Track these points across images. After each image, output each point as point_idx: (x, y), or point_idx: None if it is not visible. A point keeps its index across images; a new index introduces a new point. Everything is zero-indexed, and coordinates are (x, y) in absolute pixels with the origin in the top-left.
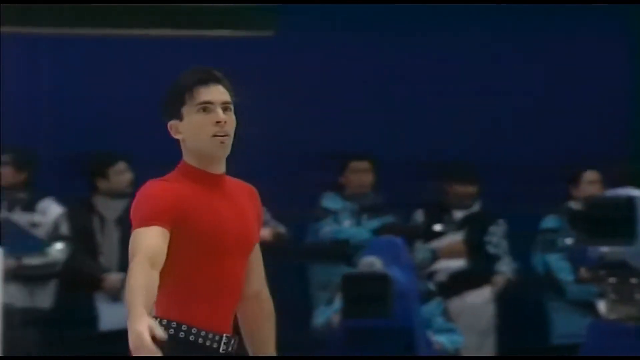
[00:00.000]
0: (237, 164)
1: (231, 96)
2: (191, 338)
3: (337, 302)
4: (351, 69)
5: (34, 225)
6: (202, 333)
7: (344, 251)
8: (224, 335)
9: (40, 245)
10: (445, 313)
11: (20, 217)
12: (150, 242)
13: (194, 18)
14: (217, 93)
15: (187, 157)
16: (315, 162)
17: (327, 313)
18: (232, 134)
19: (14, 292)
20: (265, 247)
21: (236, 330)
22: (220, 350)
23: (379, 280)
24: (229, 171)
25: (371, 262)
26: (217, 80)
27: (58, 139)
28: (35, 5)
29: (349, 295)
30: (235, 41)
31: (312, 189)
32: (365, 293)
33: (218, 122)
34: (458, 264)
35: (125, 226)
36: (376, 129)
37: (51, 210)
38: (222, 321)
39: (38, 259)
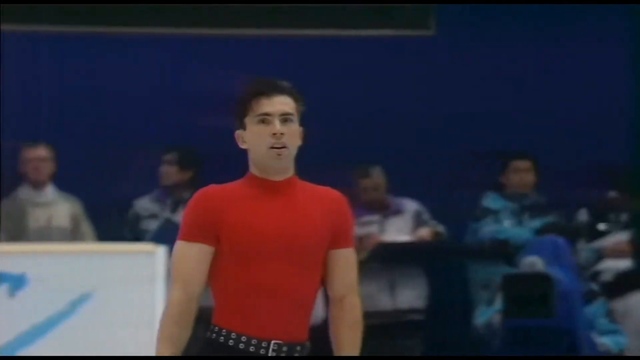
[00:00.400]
0: (403, 163)
1: (299, 106)
2: (240, 346)
3: (498, 302)
4: (511, 68)
5: None
6: (244, 338)
7: (505, 251)
8: (273, 341)
9: None
10: (610, 314)
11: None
12: (189, 265)
13: (354, 17)
14: (277, 104)
15: (250, 166)
16: (476, 161)
17: (488, 313)
18: (291, 145)
19: None
20: (425, 246)
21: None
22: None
23: (541, 280)
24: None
25: (533, 262)
26: (279, 91)
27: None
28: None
29: (510, 295)
30: (396, 40)
31: (473, 188)
32: (527, 293)
33: (274, 134)
34: (623, 264)
35: None
36: (538, 128)
37: None
38: (272, 326)
39: None
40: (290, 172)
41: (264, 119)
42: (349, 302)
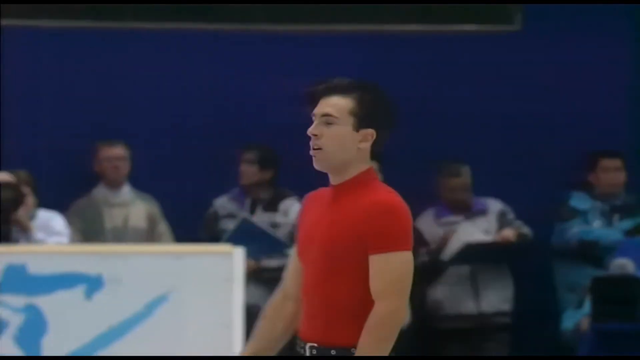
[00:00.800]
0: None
1: (361, 107)
2: (297, 348)
3: (587, 305)
4: (599, 64)
5: (275, 225)
6: (297, 340)
7: (594, 253)
8: (308, 344)
9: (280, 247)
10: None
11: (261, 217)
12: (289, 269)
13: (439, 12)
14: (322, 105)
15: None
16: (563, 159)
17: (576, 317)
18: (329, 147)
19: (255, 293)
20: (510, 247)
21: None
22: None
23: (631, 283)
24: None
25: (623, 265)
26: (331, 91)
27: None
28: None
29: (599, 298)
30: (481, 36)
31: (560, 187)
32: (616, 296)
33: (310, 135)
34: None
35: None
36: (628, 125)
37: (293, 210)
38: (309, 330)
39: (278, 260)
40: (348, 174)
41: (313, 120)
42: (374, 308)
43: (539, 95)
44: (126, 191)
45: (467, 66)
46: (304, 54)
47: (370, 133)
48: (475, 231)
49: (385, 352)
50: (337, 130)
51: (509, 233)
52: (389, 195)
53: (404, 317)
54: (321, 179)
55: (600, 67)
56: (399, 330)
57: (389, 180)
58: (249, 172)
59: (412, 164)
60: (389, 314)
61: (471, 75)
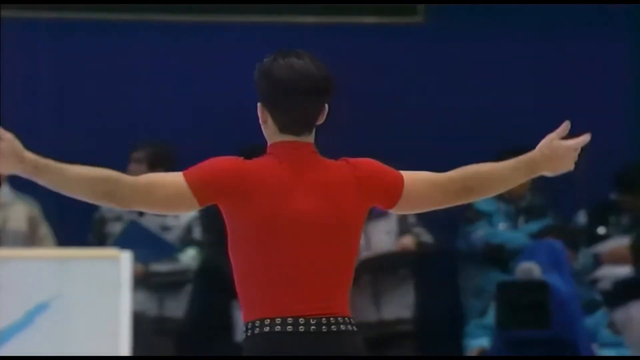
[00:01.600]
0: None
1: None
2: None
3: (490, 314)
4: (508, 64)
5: (165, 228)
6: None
7: (499, 256)
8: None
9: (170, 250)
10: (611, 325)
11: (151, 220)
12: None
13: None
14: None
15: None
16: (467, 159)
17: (479, 333)
18: None
19: (143, 299)
20: (410, 255)
21: None
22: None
23: (538, 288)
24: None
25: (529, 269)
26: None
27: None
28: None
29: (505, 305)
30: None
31: None
32: (523, 302)
33: None
34: (623, 270)
35: None
36: (537, 124)
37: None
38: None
39: (168, 265)
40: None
41: None
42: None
43: (456, 90)
44: (5, 192)
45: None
46: (200, 46)
47: (260, 108)
48: (377, 232)
49: None
50: None
51: (407, 242)
52: None
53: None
54: None
55: (508, 65)
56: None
57: None
58: (137, 171)
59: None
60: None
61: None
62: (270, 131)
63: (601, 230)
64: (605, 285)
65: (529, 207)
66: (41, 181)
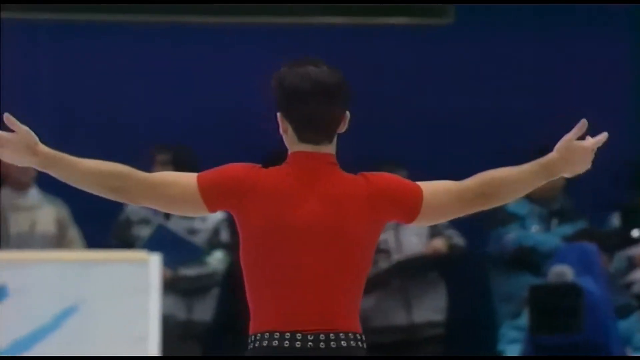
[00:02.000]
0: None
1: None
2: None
3: (524, 316)
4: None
5: (193, 232)
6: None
7: (531, 259)
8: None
9: (197, 254)
10: None
11: (177, 224)
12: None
13: None
14: None
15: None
16: (498, 160)
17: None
18: None
19: (172, 303)
20: (441, 258)
21: None
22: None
23: (570, 291)
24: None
25: (562, 272)
26: None
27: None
28: None
29: (537, 309)
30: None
31: None
32: (555, 306)
33: None
34: None
35: None
36: (565, 125)
37: (210, 215)
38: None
39: (196, 269)
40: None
41: None
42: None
43: (478, 92)
44: (33, 194)
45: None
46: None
47: (280, 117)
48: (408, 235)
49: None
50: None
51: (439, 244)
52: None
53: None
54: None
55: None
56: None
57: None
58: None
59: (345, 167)
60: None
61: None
62: (290, 140)
63: (635, 233)
64: (638, 289)
65: (561, 210)
66: (53, 173)
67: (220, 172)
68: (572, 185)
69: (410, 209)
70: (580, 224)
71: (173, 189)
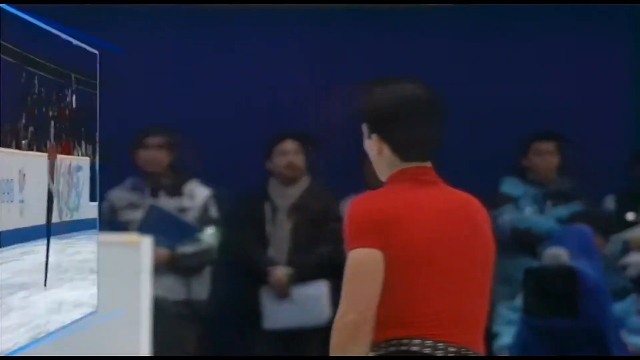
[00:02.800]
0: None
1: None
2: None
3: (519, 299)
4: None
5: (183, 210)
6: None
7: (527, 241)
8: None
9: (191, 231)
10: None
11: (167, 203)
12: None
13: None
14: None
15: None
16: (493, 143)
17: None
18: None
19: (170, 284)
20: None
21: None
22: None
23: (566, 274)
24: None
25: (557, 254)
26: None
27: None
28: None
29: (532, 291)
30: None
31: (491, 172)
32: (550, 289)
33: None
34: None
35: (298, 216)
36: (563, 108)
37: (198, 193)
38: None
39: (192, 246)
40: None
41: None
42: None
43: (477, 86)
44: None
45: None
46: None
47: (375, 140)
48: None
49: None
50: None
51: None
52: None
53: (357, 323)
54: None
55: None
56: (360, 340)
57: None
58: (157, 157)
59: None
60: (337, 319)
61: None
62: (387, 161)
63: (630, 216)
64: (634, 271)
65: (557, 192)
66: None
67: (364, 224)
68: (569, 166)
69: None
70: (575, 206)
71: (375, 283)
